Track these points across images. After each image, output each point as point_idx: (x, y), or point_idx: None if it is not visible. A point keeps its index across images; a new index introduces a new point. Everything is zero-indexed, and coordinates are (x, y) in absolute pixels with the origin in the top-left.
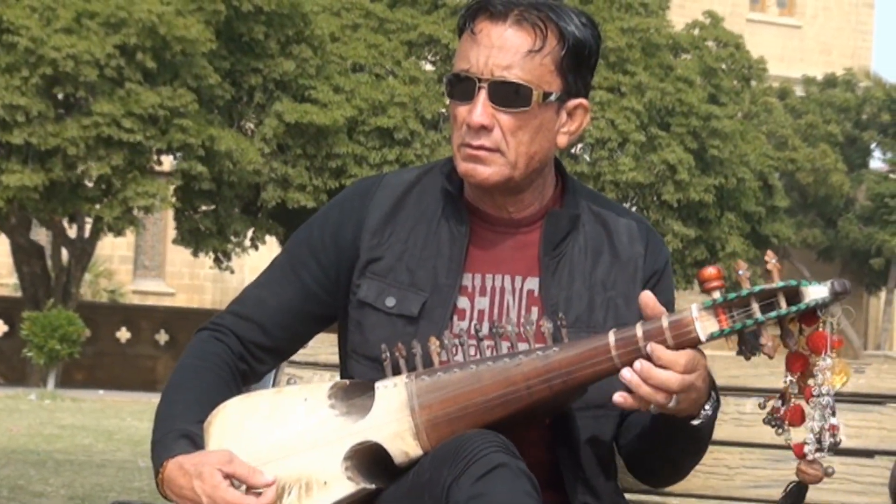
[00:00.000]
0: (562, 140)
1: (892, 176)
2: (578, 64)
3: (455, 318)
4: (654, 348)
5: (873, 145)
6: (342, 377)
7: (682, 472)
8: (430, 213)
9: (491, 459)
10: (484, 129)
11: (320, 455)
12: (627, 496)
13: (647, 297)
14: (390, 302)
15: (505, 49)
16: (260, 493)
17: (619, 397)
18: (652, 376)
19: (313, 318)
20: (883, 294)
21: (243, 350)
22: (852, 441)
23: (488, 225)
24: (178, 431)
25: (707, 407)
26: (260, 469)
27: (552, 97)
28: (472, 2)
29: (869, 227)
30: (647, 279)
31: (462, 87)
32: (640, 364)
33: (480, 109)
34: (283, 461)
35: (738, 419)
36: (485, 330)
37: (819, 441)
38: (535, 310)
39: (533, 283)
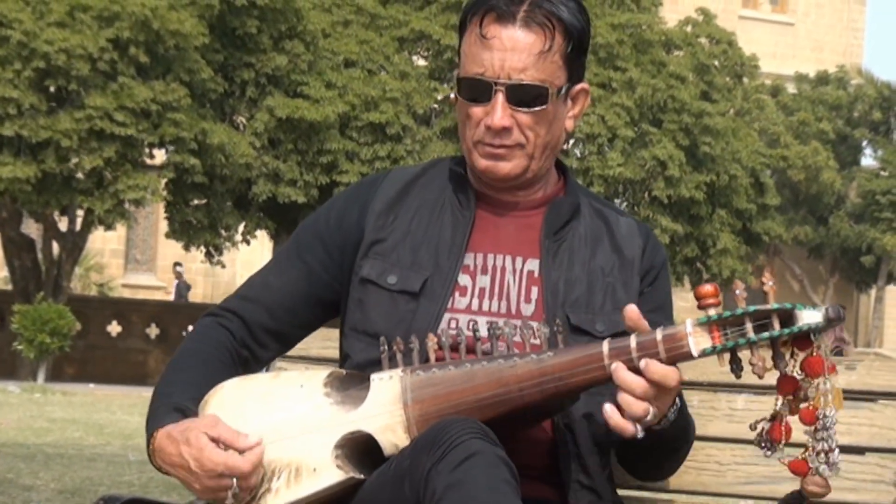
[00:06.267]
0: (569, 124)
1: (882, 173)
2: (580, 52)
3: (456, 294)
4: (649, 363)
5: (864, 143)
6: (340, 356)
7: (665, 471)
8: (435, 200)
9: (468, 447)
10: (505, 130)
11: (312, 442)
12: (620, 492)
13: (632, 311)
14: (392, 279)
15: (518, 51)
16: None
17: (609, 409)
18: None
19: (318, 302)
20: (873, 292)
21: (247, 334)
22: (843, 438)
23: (492, 209)
24: (171, 405)
25: (669, 414)
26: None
27: (563, 90)
28: (473, 1)
29: (860, 224)
30: (645, 273)
31: (477, 90)
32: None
33: (501, 112)
34: (275, 445)
35: (729, 415)
36: (482, 331)
37: (828, 461)
38: (535, 290)
39: (533, 265)
